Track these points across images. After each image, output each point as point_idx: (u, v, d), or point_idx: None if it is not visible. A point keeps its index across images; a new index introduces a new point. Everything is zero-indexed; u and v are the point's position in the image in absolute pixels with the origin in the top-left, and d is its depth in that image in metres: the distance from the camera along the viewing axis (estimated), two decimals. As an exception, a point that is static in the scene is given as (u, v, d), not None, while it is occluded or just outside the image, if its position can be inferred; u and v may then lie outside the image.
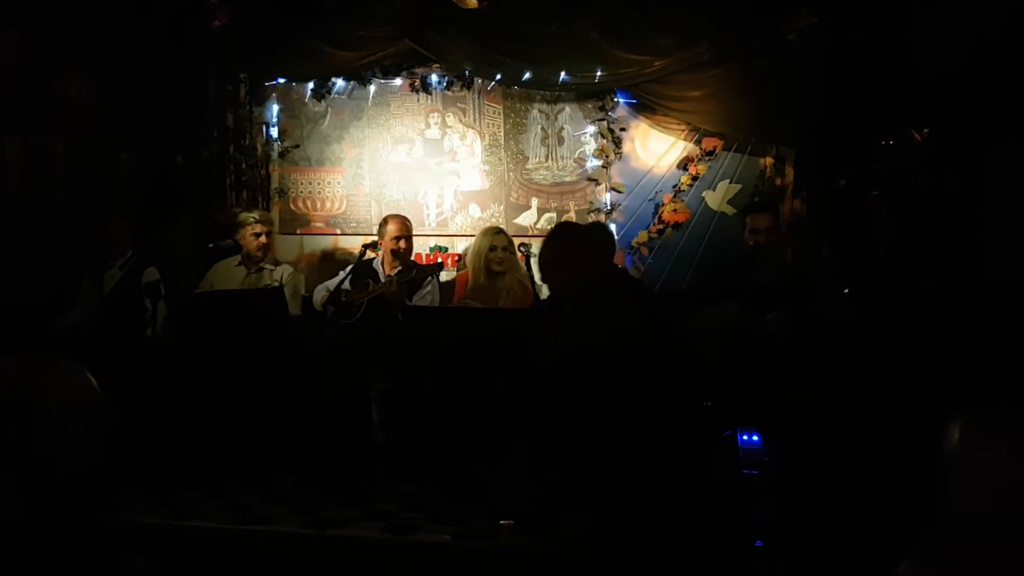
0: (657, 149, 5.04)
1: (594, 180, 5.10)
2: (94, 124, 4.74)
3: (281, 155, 5.40)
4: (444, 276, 5.04)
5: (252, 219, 4.71)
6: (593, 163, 5.08)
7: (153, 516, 3.47)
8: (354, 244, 5.19)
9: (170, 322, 4.22)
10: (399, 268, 4.54)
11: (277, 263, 4.86)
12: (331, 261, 5.36)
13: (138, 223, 4.67)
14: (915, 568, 0.99)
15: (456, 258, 5.23)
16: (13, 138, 4.48)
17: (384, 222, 4.67)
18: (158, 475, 3.81)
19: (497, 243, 4.48)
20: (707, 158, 4.95)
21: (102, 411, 1.32)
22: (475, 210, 5.24)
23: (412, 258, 4.76)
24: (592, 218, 5.03)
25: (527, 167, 5.19)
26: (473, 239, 4.72)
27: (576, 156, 5.13)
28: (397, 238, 4.54)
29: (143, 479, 3.77)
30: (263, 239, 4.67)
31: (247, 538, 3.31)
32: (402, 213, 4.95)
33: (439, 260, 5.05)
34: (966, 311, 3.46)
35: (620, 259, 4.96)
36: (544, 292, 4.73)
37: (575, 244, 3.21)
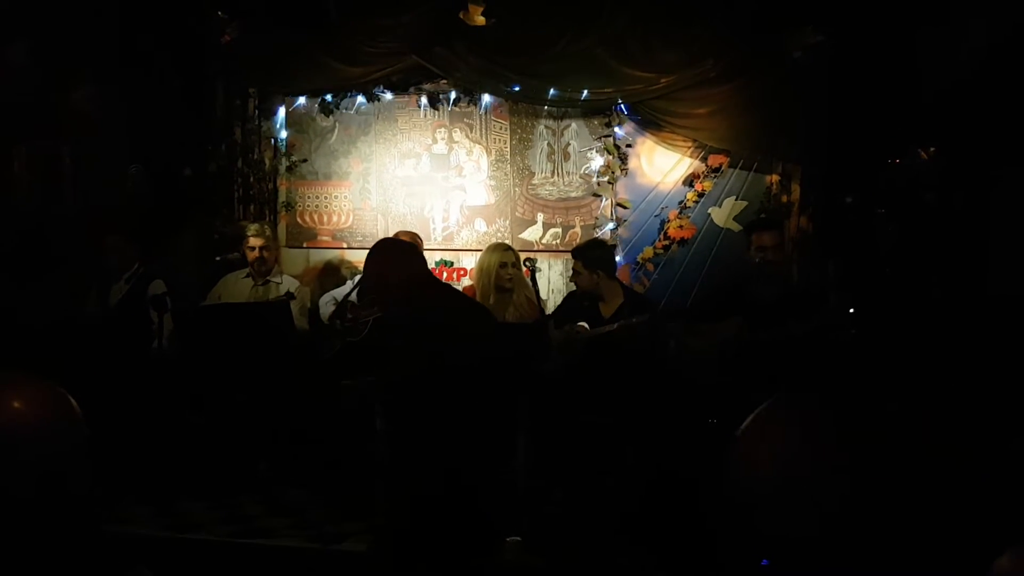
0: (663, 165, 5.05)
1: (600, 196, 5.11)
2: (101, 135, 4.77)
3: (289, 169, 5.43)
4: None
5: (249, 232, 4.74)
6: (599, 179, 5.10)
7: (156, 528, 3.47)
8: (360, 258, 5.19)
9: (176, 334, 4.23)
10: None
11: (283, 275, 4.88)
12: (337, 274, 5.38)
13: (145, 235, 4.69)
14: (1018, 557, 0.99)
15: (463, 272, 5.24)
16: (20, 147, 4.52)
17: (395, 236, 4.69)
18: (161, 487, 3.82)
19: (507, 260, 4.48)
20: (713, 175, 4.96)
21: (70, 429, 1.27)
22: (481, 225, 5.25)
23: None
24: (597, 234, 5.04)
25: (533, 182, 5.21)
26: (480, 255, 4.73)
27: (582, 172, 5.15)
28: None
29: (146, 491, 3.77)
30: (256, 252, 4.68)
31: (249, 551, 3.30)
32: (408, 227, 4.97)
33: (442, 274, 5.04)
34: (973, 328, 3.44)
35: (625, 275, 4.97)
36: (550, 307, 4.74)
37: (396, 261, 3.15)
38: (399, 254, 3.15)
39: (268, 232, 4.80)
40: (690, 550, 3.14)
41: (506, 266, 4.46)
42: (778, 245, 4.07)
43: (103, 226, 4.60)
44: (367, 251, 5.03)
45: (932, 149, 3.99)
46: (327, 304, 4.69)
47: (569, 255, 4.81)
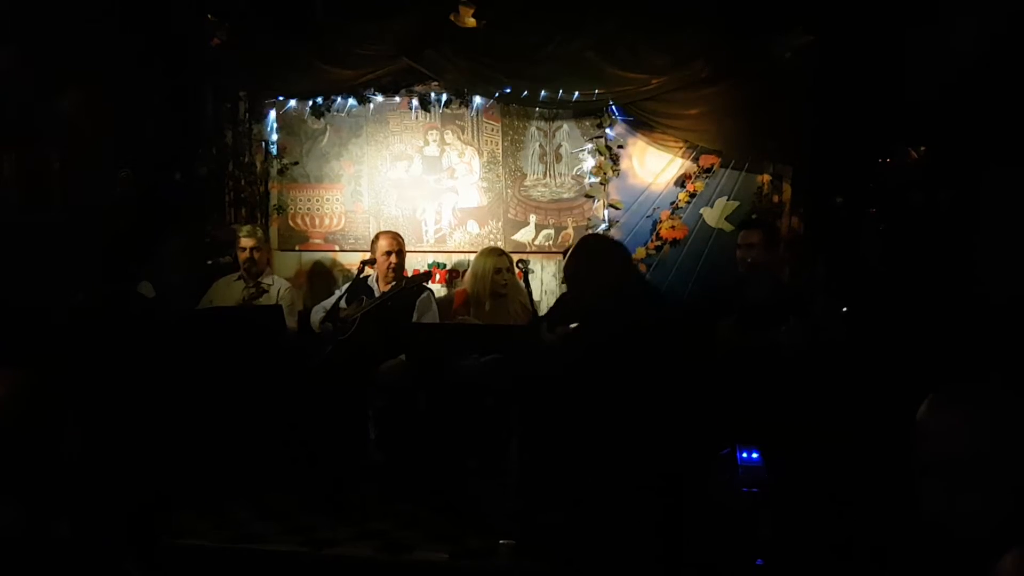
0: (654, 166, 5.05)
1: (592, 197, 5.11)
2: (91, 141, 4.75)
3: (280, 172, 5.42)
4: (439, 292, 5.04)
5: (241, 233, 4.75)
6: (591, 180, 5.10)
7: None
8: (352, 261, 5.19)
9: (165, 338, 4.21)
10: (392, 283, 4.56)
11: (273, 277, 4.87)
12: (329, 278, 5.37)
13: (132, 240, 4.67)
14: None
15: (456, 275, 5.22)
16: (9, 153, 4.49)
17: (376, 238, 4.71)
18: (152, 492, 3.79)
19: (501, 265, 4.47)
20: (704, 175, 4.97)
21: (65, 424, 1.33)
22: (473, 227, 5.25)
23: (411, 274, 4.77)
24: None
25: (525, 184, 5.21)
26: (472, 259, 4.72)
27: (574, 173, 5.14)
28: (388, 253, 4.57)
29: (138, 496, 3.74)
30: (247, 253, 4.70)
31: (240, 556, 3.28)
32: (400, 230, 4.96)
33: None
34: (963, 327, 3.45)
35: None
36: (543, 309, 4.73)
37: (605, 256, 3.16)
38: (608, 248, 3.16)
39: (260, 234, 4.82)
40: (685, 551, 3.13)
41: (501, 272, 4.45)
42: (764, 244, 4.06)
43: (95, 230, 4.57)
44: (360, 254, 5.13)
45: (922, 148, 4.00)
46: (317, 314, 4.68)
47: (561, 256, 4.81)
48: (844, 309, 3.35)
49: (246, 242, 4.72)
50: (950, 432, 1.20)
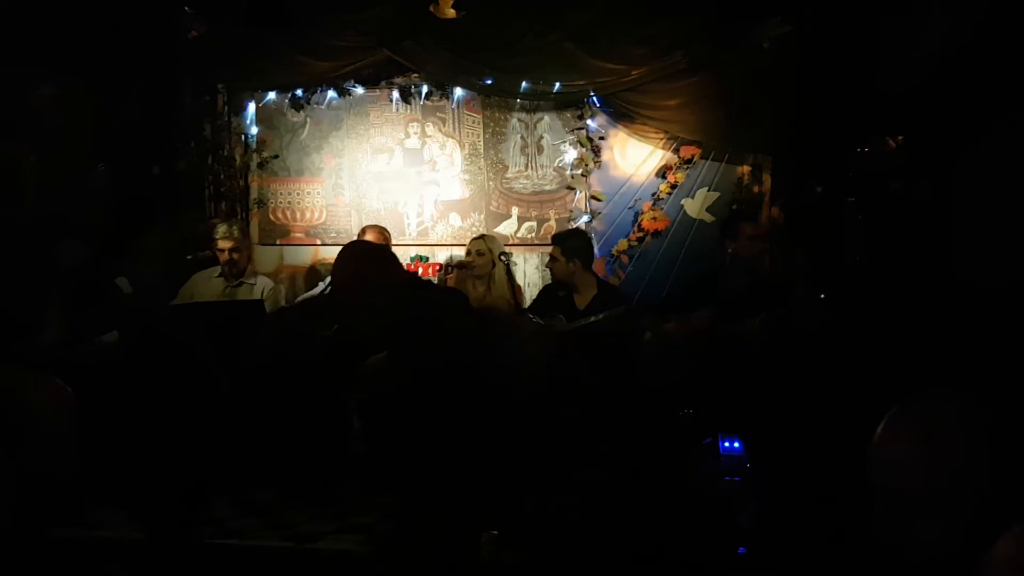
0: (636, 157, 5.06)
1: (574, 189, 5.11)
2: (67, 135, 4.69)
3: (260, 165, 5.37)
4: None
5: (217, 235, 4.65)
6: (573, 172, 5.10)
7: (128, 530, 3.42)
8: (334, 254, 5.14)
9: (142, 333, 4.17)
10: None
11: (256, 276, 4.82)
12: (311, 271, 5.34)
13: (107, 235, 4.62)
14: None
15: (437, 268, 5.21)
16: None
17: (363, 232, 4.68)
18: (132, 489, 3.76)
19: (472, 248, 4.50)
20: (685, 166, 4.98)
21: (76, 420, 1.35)
22: (455, 219, 5.24)
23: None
24: (572, 226, 5.04)
25: (507, 176, 5.20)
26: (454, 249, 4.74)
27: (556, 165, 5.14)
28: None
29: (117, 493, 3.71)
30: (226, 255, 4.59)
31: (222, 552, 3.27)
32: (382, 223, 4.94)
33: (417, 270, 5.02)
34: (942, 315, 3.48)
35: (600, 267, 4.98)
36: (527, 302, 4.73)
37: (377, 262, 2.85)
38: (371, 263, 2.81)
39: (237, 233, 4.68)
40: (667, 541, 3.15)
41: (471, 254, 4.47)
42: (761, 235, 4.12)
43: (72, 227, 4.52)
44: (341, 248, 5.07)
45: (900, 138, 4.03)
46: (300, 306, 4.66)
47: (543, 249, 4.82)
48: (823, 297, 3.37)
49: (224, 243, 4.60)
50: (905, 463, 1.11)
